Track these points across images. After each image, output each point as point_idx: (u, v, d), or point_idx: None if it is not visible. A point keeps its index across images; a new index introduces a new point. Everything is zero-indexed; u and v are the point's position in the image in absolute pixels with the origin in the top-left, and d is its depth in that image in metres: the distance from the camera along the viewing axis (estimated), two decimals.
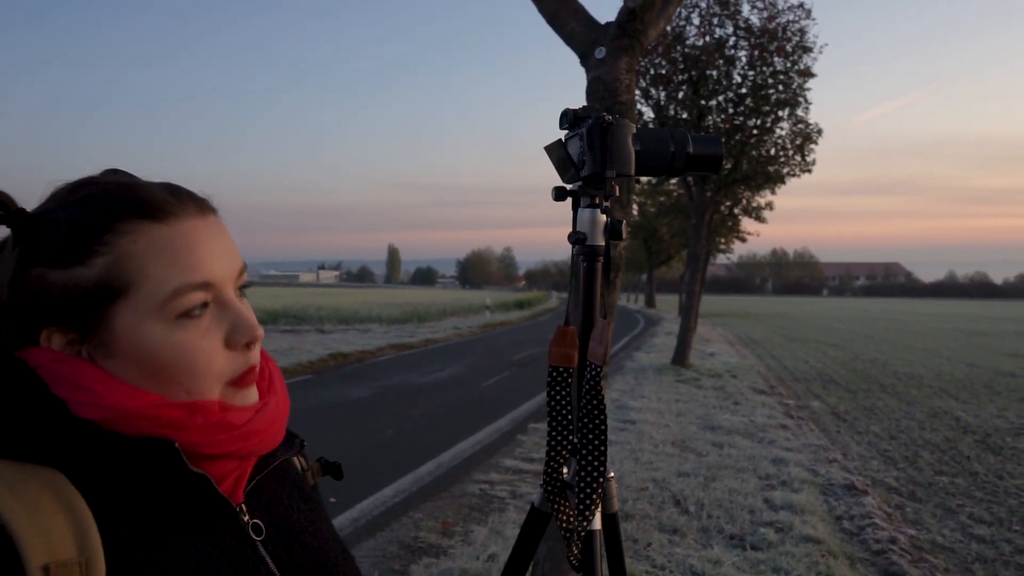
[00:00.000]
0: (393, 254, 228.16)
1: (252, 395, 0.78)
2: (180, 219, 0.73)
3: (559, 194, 1.23)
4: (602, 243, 1.20)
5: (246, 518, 0.80)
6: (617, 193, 1.17)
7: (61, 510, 0.65)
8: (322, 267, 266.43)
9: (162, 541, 0.71)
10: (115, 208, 0.71)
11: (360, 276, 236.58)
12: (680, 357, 14.99)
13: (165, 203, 0.73)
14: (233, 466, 0.78)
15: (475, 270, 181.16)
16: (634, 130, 1.21)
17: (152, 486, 0.71)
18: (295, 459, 0.94)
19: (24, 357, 0.72)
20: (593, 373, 1.14)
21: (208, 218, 0.76)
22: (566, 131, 1.25)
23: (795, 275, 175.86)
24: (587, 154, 1.17)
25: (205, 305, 0.73)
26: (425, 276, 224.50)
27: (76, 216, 0.71)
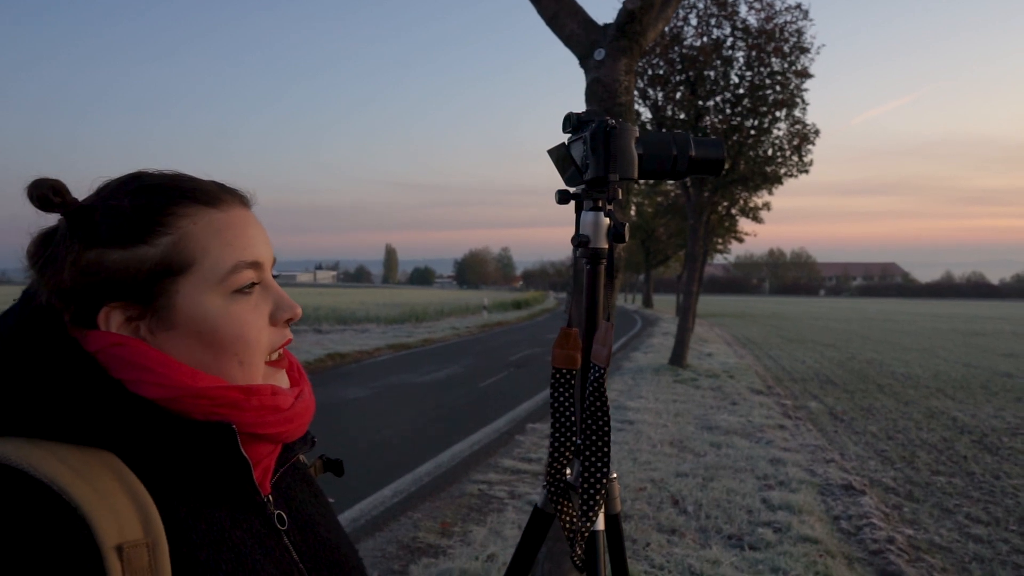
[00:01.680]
0: (390, 254, 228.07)
1: (285, 378, 0.85)
2: (231, 206, 0.81)
3: (562, 197, 1.24)
4: (605, 246, 1.21)
5: (271, 509, 0.84)
6: (620, 196, 1.18)
7: (125, 492, 0.68)
8: (319, 267, 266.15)
9: (211, 524, 0.74)
10: (173, 193, 0.78)
11: (357, 276, 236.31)
12: (678, 357, 15.00)
13: (217, 191, 0.81)
14: (267, 452, 0.82)
15: (472, 270, 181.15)
16: (637, 134, 1.22)
17: (202, 469, 0.74)
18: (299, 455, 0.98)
19: (81, 340, 0.74)
20: (596, 375, 1.15)
21: (249, 209, 0.85)
22: (569, 134, 1.26)
23: (792, 275, 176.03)
24: (590, 158, 1.18)
25: (253, 284, 0.80)
26: (422, 276, 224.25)
27: (139, 201, 0.76)
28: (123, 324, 0.76)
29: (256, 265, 0.80)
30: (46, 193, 0.73)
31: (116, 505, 0.66)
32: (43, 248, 0.76)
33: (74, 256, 0.74)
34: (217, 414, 0.74)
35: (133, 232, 0.75)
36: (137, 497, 0.68)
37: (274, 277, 0.85)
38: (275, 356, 0.83)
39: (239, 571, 0.74)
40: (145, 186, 0.78)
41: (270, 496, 0.84)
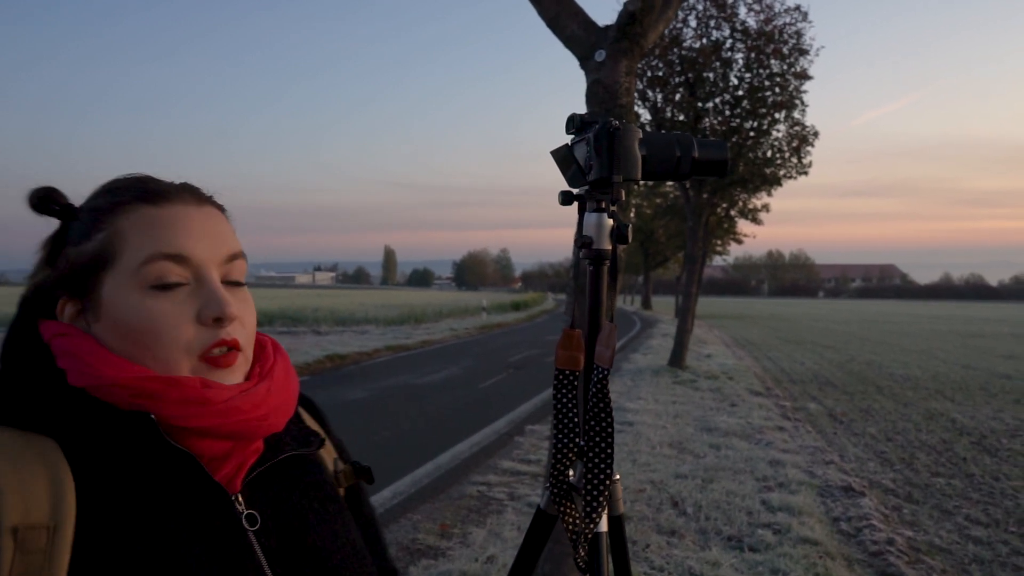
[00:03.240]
0: (389, 255, 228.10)
1: (230, 377, 0.81)
2: (172, 203, 0.81)
3: (566, 198, 1.24)
4: (608, 247, 1.21)
5: (241, 507, 0.82)
6: (624, 198, 1.18)
7: (46, 476, 0.72)
8: (318, 268, 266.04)
9: (140, 514, 0.75)
10: (122, 194, 0.82)
11: (356, 277, 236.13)
12: (677, 359, 15.00)
13: (164, 190, 0.82)
14: (222, 448, 0.81)
15: (471, 271, 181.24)
16: (640, 135, 1.22)
17: (137, 459, 0.76)
18: (332, 460, 0.98)
19: (41, 330, 0.81)
20: (600, 376, 1.14)
21: (204, 207, 0.84)
22: (572, 135, 1.26)
23: (791, 277, 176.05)
24: (594, 159, 1.18)
25: (179, 280, 0.79)
26: (421, 277, 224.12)
27: (94, 202, 0.83)
28: (74, 316, 0.81)
29: (178, 258, 0.79)
30: (38, 200, 0.81)
31: (31, 488, 0.70)
32: (41, 249, 0.84)
33: (46, 253, 0.82)
34: (137, 404, 0.75)
35: (83, 230, 0.80)
36: (56, 482, 0.72)
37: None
38: (216, 352, 0.80)
39: (160, 560, 0.73)
40: (105, 188, 0.83)
41: (239, 495, 0.82)
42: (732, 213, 20.08)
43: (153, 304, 0.77)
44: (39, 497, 0.70)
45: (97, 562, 0.71)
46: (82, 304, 0.80)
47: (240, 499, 0.82)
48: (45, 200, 0.81)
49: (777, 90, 13.75)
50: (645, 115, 14.18)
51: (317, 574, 0.84)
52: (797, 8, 13.51)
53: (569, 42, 3.48)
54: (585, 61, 3.43)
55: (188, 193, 0.83)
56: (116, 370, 0.76)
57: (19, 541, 0.68)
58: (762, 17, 13.43)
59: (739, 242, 26.25)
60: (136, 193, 0.81)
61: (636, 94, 13.88)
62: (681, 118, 13.86)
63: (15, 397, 0.76)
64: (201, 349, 0.79)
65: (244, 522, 0.81)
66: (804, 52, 13.60)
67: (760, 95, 13.68)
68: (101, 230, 0.79)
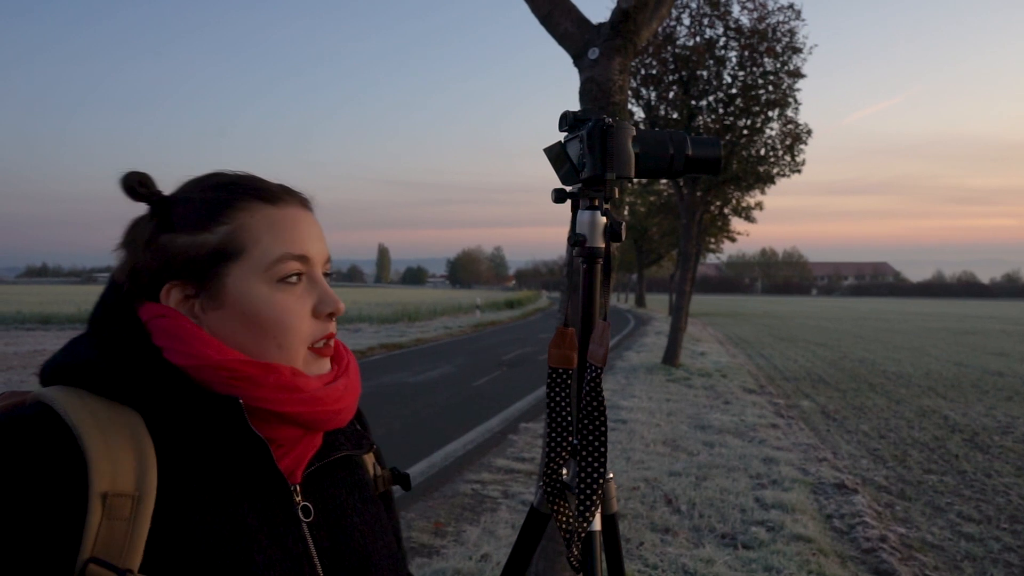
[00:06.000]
0: (383, 253, 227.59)
1: (326, 365, 0.89)
2: (288, 205, 0.88)
3: (559, 196, 1.23)
4: (602, 245, 1.20)
5: (298, 499, 0.86)
6: (617, 195, 1.18)
7: (132, 448, 0.76)
8: None
9: (211, 494, 0.79)
10: (239, 190, 0.87)
11: (349, 275, 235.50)
12: (670, 356, 15.01)
13: (278, 191, 0.89)
14: (296, 436, 0.85)
15: (465, 269, 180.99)
16: (634, 132, 1.21)
17: (214, 441, 0.80)
18: (371, 464, 1.02)
19: (139, 311, 0.84)
20: (593, 375, 1.14)
21: (308, 211, 0.91)
22: (566, 133, 1.25)
23: (784, 275, 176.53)
24: (587, 156, 1.18)
25: (299, 276, 0.86)
26: (415, 275, 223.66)
27: (208, 195, 0.86)
28: (181, 301, 0.84)
29: (303, 258, 0.86)
30: (133, 184, 0.84)
31: (119, 458, 0.74)
32: (131, 232, 0.87)
33: (148, 238, 0.84)
34: (233, 387, 0.80)
35: (199, 220, 0.84)
36: (142, 454, 0.76)
37: (326, 276, 0.90)
38: (320, 344, 0.87)
39: (229, 541, 0.77)
40: (216, 183, 0.88)
41: (298, 486, 0.87)
42: (726, 211, 20.11)
43: (281, 298, 0.84)
44: (126, 467, 0.74)
45: (173, 536, 0.75)
46: (195, 290, 0.84)
47: (298, 490, 0.87)
48: (140, 185, 0.84)
49: (770, 88, 13.77)
50: (639, 113, 14.18)
51: (357, 572, 0.88)
52: (790, 6, 13.54)
53: (562, 39, 3.47)
54: (578, 59, 3.42)
55: (296, 196, 0.90)
56: (219, 353, 0.80)
57: (107, 507, 0.72)
58: (755, 15, 13.45)
59: (732, 240, 26.27)
60: (253, 191, 0.87)
61: (630, 92, 13.89)
62: (675, 116, 13.86)
63: (108, 369, 0.80)
64: (313, 340, 0.86)
65: (300, 513, 0.85)
66: (797, 50, 13.61)
67: (753, 93, 13.69)
68: (223, 223, 0.84)
